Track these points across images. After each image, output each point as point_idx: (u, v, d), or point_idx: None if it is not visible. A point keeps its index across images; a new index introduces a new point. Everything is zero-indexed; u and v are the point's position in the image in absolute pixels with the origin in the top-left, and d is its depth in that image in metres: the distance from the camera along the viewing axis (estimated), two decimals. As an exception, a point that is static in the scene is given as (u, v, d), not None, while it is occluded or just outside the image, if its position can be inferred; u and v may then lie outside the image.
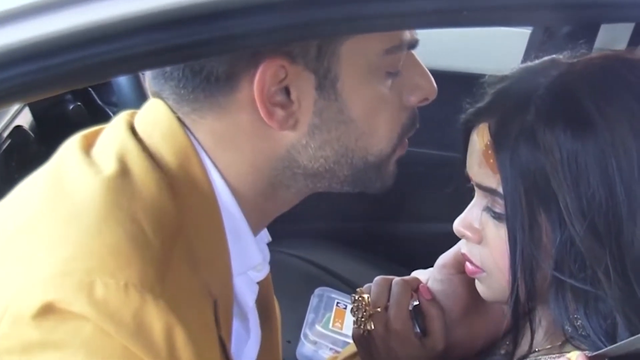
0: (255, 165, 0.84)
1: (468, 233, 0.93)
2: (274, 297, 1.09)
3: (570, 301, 0.85)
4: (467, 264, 0.95)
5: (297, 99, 0.81)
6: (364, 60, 0.82)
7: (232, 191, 0.84)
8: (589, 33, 1.76)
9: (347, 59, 0.81)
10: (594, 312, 0.84)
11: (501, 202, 0.88)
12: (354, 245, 2.11)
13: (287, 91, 0.81)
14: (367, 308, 1.03)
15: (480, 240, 0.92)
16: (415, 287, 1.05)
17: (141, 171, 0.79)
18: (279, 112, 0.81)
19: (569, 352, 0.83)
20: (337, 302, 1.71)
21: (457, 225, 0.94)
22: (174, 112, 0.84)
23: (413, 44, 0.86)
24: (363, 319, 1.03)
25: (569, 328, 0.86)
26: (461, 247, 0.97)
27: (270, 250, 2.12)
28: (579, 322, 0.85)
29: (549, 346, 0.90)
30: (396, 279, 1.06)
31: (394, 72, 0.85)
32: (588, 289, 0.83)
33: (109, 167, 0.79)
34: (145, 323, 0.71)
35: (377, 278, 1.07)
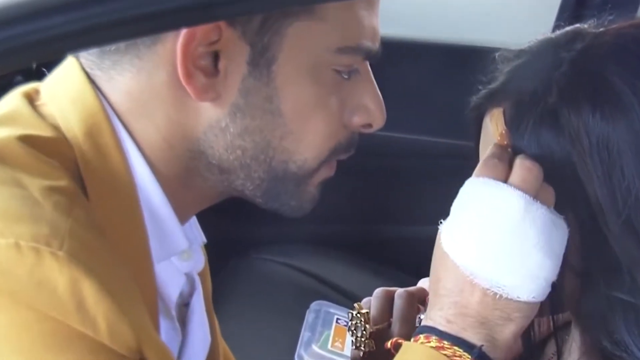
0: (169, 140, 0.85)
1: None
2: (211, 306, 1.10)
3: (607, 313, 0.84)
4: None
5: (225, 69, 0.82)
6: (311, 52, 0.83)
7: (149, 165, 0.85)
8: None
9: (291, 42, 0.82)
10: (634, 324, 0.82)
11: None
12: (353, 252, 2.13)
13: (215, 58, 0.82)
14: (367, 326, 1.03)
15: None
16: (422, 299, 1.05)
17: (18, 132, 0.81)
18: (200, 78, 0.82)
19: None
20: (337, 318, 1.70)
21: None
22: (86, 72, 0.85)
23: (371, 54, 0.87)
24: (362, 339, 1.03)
25: (607, 344, 0.85)
26: None
27: (257, 259, 2.13)
28: (618, 337, 0.84)
29: None
30: (399, 290, 1.05)
31: (342, 75, 0.86)
32: (626, 298, 0.82)
33: None
34: (45, 279, 0.72)
35: (377, 290, 1.07)
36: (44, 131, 0.83)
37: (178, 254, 0.91)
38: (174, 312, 0.92)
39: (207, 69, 0.82)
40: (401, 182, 2.27)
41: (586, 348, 0.90)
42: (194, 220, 0.99)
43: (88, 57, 0.85)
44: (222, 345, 1.15)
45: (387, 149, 2.24)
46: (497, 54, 0.92)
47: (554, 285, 0.84)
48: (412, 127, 2.25)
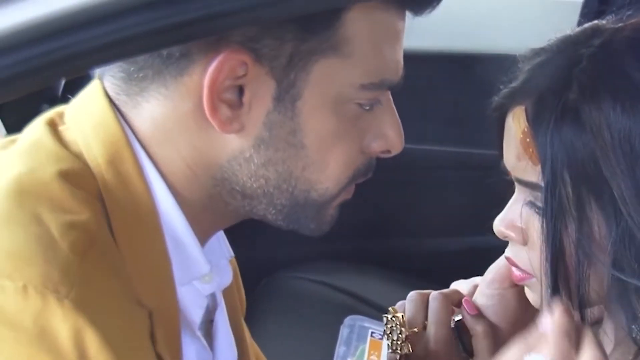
0: (192, 167, 0.87)
1: (511, 233, 0.94)
2: (242, 319, 1.12)
3: (637, 303, 0.85)
4: (514, 269, 0.96)
5: (249, 102, 0.83)
6: (335, 88, 0.85)
7: (171, 192, 0.87)
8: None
9: (317, 79, 0.83)
10: None
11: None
12: (383, 266, 2.15)
13: (240, 91, 0.83)
14: (402, 329, 1.04)
15: (526, 241, 0.93)
16: (457, 302, 1.07)
17: (52, 169, 0.82)
18: (225, 111, 0.83)
19: None
20: (372, 332, 1.70)
21: (498, 225, 0.95)
22: (109, 97, 0.87)
23: (394, 85, 0.88)
24: (399, 342, 1.05)
25: (639, 334, 0.86)
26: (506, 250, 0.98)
27: (288, 277, 2.15)
28: None
29: (620, 358, 0.91)
30: (433, 293, 1.07)
31: (364, 107, 0.87)
32: None
33: (19, 166, 0.83)
34: (49, 326, 0.73)
35: (412, 293, 1.08)
36: (67, 161, 0.84)
37: (199, 278, 0.92)
38: (198, 333, 0.94)
39: (231, 102, 0.83)
40: (428, 195, 2.28)
41: (618, 340, 0.92)
42: (221, 235, 1.01)
43: (113, 81, 0.87)
44: (257, 356, 1.17)
45: (415, 162, 2.25)
46: (518, 54, 0.94)
47: (581, 281, 0.86)
48: (439, 139, 2.26)
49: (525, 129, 0.88)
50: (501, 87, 0.94)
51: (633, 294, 0.85)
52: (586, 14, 1.98)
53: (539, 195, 0.88)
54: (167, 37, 0.71)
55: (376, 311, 1.85)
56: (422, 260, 2.19)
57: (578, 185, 0.85)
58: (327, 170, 0.88)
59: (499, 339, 1.03)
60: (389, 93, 0.90)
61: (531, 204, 0.91)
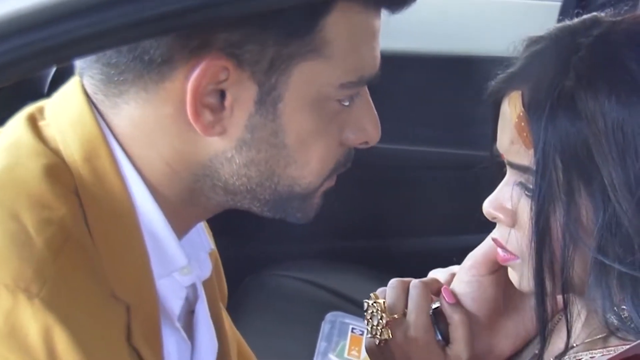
0: (172, 165, 0.87)
1: (500, 215, 0.96)
2: (224, 312, 1.13)
3: (616, 289, 0.88)
4: (499, 250, 0.98)
5: (231, 106, 0.84)
6: (315, 88, 0.86)
7: (149, 188, 0.88)
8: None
9: (297, 81, 0.84)
10: None
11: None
12: (364, 265, 2.16)
13: (221, 95, 0.84)
14: (383, 315, 1.06)
15: (514, 222, 0.95)
16: (436, 290, 1.09)
17: (31, 165, 0.84)
18: (207, 115, 0.84)
19: (614, 345, 0.85)
20: (352, 328, 1.74)
21: (487, 206, 0.97)
22: (87, 96, 0.87)
23: (372, 79, 0.90)
24: (379, 327, 1.06)
25: (614, 320, 0.89)
26: (492, 232, 1.00)
27: (271, 275, 2.17)
28: (626, 312, 0.88)
29: (588, 340, 0.93)
30: (414, 281, 1.09)
31: (343, 103, 0.89)
32: (637, 274, 0.86)
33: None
34: (19, 325, 0.75)
35: (393, 281, 1.10)
36: (45, 157, 0.84)
37: (178, 270, 0.93)
38: (177, 324, 0.95)
39: (213, 106, 0.84)
40: (410, 194, 2.30)
41: (592, 325, 0.94)
42: (201, 227, 1.01)
43: (92, 81, 0.87)
44: (242, 348, 1.18)
45: (396, 162, 2.27)
46: (514, 42, 0.95)
47: (565, 264, 0.88)
48: (423, 139, 2.28)
49: (521, 114, 0.90)
50: (498, 73, 0.95)
51: (613, 280, 0.88)
52: (564, 16, 2.01)
53: (530, 178, 0.90)
54: (153, 27, 0.71)
55: (357, 308, 1.88)
56: (403, 259, 2.20)
57: (569, 170, 0.87)
58: (308, 166, 0.89)
59: (475, 327, 1.06)
60: (366, 88, 0.91)
61: (522, 186, 0.93)
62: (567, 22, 0.95)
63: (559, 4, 2.10)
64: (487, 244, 1.05)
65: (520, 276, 0.97)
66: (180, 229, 0.93)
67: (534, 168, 0.89)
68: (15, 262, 0.77)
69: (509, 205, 0.95)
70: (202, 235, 1.02)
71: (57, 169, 0.84)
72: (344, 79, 0.86)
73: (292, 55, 0.83)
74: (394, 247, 2.33)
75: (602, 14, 0.94)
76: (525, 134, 0.90)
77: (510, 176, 0.96)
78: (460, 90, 2.18)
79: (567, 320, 0.94)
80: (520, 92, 0.91)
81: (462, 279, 1.08)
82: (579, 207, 0.88)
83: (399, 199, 2.31)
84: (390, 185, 2.30)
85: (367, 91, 0.92)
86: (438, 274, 1.12)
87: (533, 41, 0.94)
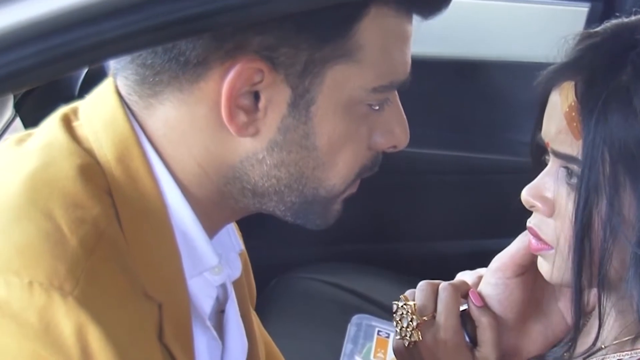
0: (203, 166, 0.89)
1: (537, 203, 0.97)
2: (253, 313, 1.14)
3: None
4: (532, 239, 0.99)
5: (265, 108, 0.85)
6: (347, 92, 0.87)
7: (180, 188, 0.89)
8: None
9: (330, 84, 0.85)
10: None
11: (580, 171, 0.90)
12: (390, 268, 2.17)
13: (255, 97, 0.85)
14: (413, 317, 1.07)
15: (552, 212, 0.96)
16: (464, 293, 1.09)
17: (65, 164, 0.85)
18: (241, 116, 0.85)
19: None
20: (379, 331, 1.74)
21: (526, 194, 0.97)
22: (121, 96, 0.88)
23: (403, 83, 0.91)
24: (409, 329, 1.07)
25: None
26: (529, 220, 1.00)
27: (297, 277, 2.18)
28: None
29: (616, 342, 0.94)
30: (443, 283, 1.09)
31: (373, 107, 0.90)
32: None
33: (33, 161, 0.85)
34: (53, 323, 0.76)
35: (422, 283, 1.11)
36: (79, 157, 0.86)
37: (209, 270, 0.95)
38: (208, 323, 0.96)
39: (247, 107, 0.85)
40: (437, 199, 2.31)
41: (621, 326, 0.95)
42: (231, 228, 1.03)
43: (126, 82, 0.88)
44: (270, 348, 1.20)
45: (424, 166, 2.28)
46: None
47: (604, 256, 0.89)
48: (445, 143, 2.29)
49: (573, 103, 0.90)
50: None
51: None
52: (591, 21, 2.01)
53: (575, 168, 0.91)
54: (191, 26, 0.71)
55: (382, 311, 1.89)
56: (427, 263, 2.21)
57: (616, 164, 0.88)
58: (335, 168, 0.90)
59: (502, 329, 1.06)
60: (396, 92, 0.93)
61: (565, 176, 0.93)
62: (625, 19, 0.96)
63: (586, 9, 2.10)
64: (514, 246, 1.06)
65: (552, 267, 0.97)
66: (211, 229, 0.94)
67: (581, 158, 0.90)
68: (49, 260, 0.78)
69: (548, 195, 0.96)
70: (232, 235, 1.03)
71: (90, 169, 0.85)
72: (376, 83, 0.87)
73: (326, 59, 0.84)
74: (418, 250, 2.35)
75: None
76: (575, 124, 0.90)
77: (553, 165, 0.96)
78: (485, 94, 2.20)
79: (599, 316, 0.94)
80: (573, 83, 0.91)
81: (488, 281, 1.08)
82: (623, 201, 0.88)
83: (422, 204, 2.32)
84: (415, 189, 2.31)
85: (397, 96, 0.93)
86: (466, 276, 1.13)
87: (588, 35, 0.94)
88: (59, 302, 0.76)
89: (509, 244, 1.08)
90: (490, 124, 2.29)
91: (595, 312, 0.98)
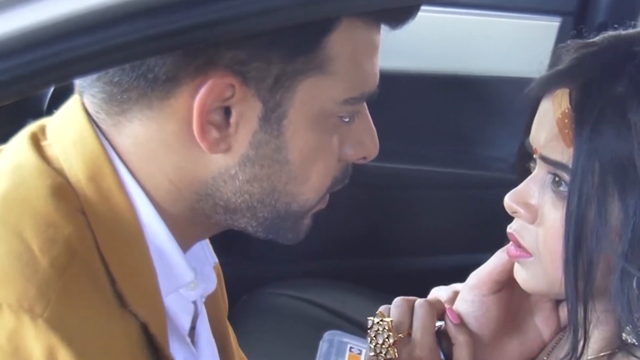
0: (176, 184, 0.88)
1: (521, 210, 0.96)
2: (229, 327, 1.14)
3: (636, 301, 0.88)
4: (512, 246, 0.98)
5: (236, 123, 0.85)
6: (319, 104, 0.87)
7: (153, 205, 0.88)
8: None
9: (301, 97, 0.85)
10: None
11: (568, 178, 0.90)
12: (362, 284, 2.16)
13: (226, 112, 0.85)
14: (390, 333, 1.05)
15: (535, 219, 0.95)
16: (440, 309, 1.09)
17: (36, 184, 0.84)
18: (213, 133, 0.84)
19: None
20: (351, 347, 1.71)
21: (509, 200, 0.97)
22: (88, 114, 0.87)
23: (372, 95, 0.91)
24: (384, 346, 1.06)
25: (628, 332, 0.89)
26: (510, 226, 0.99)
27: (269, 293, 2.17)
28: None
29: (592, 357, 0.94)
30: (419, 300, 1.09)
31: (344, 120, 0.90)
32: None
33: (3, 183, 0.85)
34: (23, 345, 0.75)
35: (397, 299, 1.10)
36: (50, 177, 0.85)
37: (185, 286, 0.94)
38: (188, 340, 0.95)
39: (218, 123, 0.84)
40: (409, 214, 2.31)
41: (598, 342, 0.94)
42: (205, 241, 1.02)
43: (93, 99, 0.87)
44: None
45: (394, 181, 2.28)
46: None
47: (591, 266, 0.88)
48: (420, 158, 2.29)
49: (567, 111, 0.90)
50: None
51: (635, 289, 0.87)
52: (562, 38, 2.02)
53: (564, 175, 0.91)
54: (161, 44, 0.71)
55: (354, 327, 1.87)
56: (399, 278, 2.21)
57: (606, 175, 0.87)
58: (308, 182, 0.90)
59: (478, 346, 1.06)
60: (365, 104, 0.92)
61: (552, 183, 0.92)
62: (622, 32, 0.96)
63: (557, 24, 2.10)
64: (491, 263, 1.06)
65: (529, 275, 0.97)
66: (184, 245, 0.93)
67: (571, 166, 0.89)
68: (19, 282, 0.77)
69: (532, 201, 0.95)
70: (205, 249, 1.02)
71: (62, 188, 0.84)
72: (347, 94, 0.87)
73: (297, 73, 0.84)
74: (390, 265, 2.35)
75: None
76: (567, 131, 0.90)
77: (539, 172, 0.95)
78: (461, 109, 2.20)
79: (585, 328, 0.93)
80: (567, 90, 0.91)
81: (465, 298, 1.08)
82: (611, 212, 0.88)
83: (395, 218, 2.32)
84: (386, 204, 2.32)
85: (366, 107, 0.93)
86: (440, 291, 1.13)
87: (584, 45, 0.94)
88: (29, 325, 0.75)
89: (481, 258, 1.07)
90: (465, 139, 2.29)
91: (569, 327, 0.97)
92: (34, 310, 0.76)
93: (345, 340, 1.77)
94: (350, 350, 1.74)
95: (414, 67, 2.18)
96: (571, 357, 0.95)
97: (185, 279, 0.92)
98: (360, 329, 1.87)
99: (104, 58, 0.70)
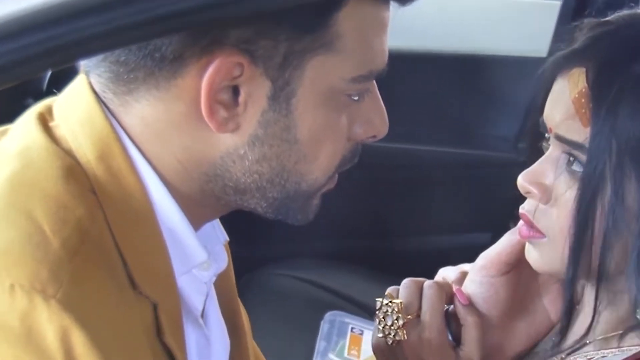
0: (184, 165, 0.87)
1: (534, 190, 0.95)
2: (240, 305, 1.13)
3: None
4: (523, 226, 0.97)
5: (245, 102, 0.84)
6: (327, 82, 0.86)
7: (165, 184, 0.87)
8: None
9: (310, 76, 0.84)
10: None
11: (584, 158, 0.89)
12: (364, 264, 2.16)
13: (234, 92, 0.84)
14: (399, 315, 1.05)
15: (548, 200, 0.94)
16: (449, 290, 1.08)
17: (45, 166, 0.83)
18: (221, 112, 0.84)
19: (627, 346, 0.84)
20: (352, 327, 1.73)
21: (522, 180, 0.96)
22: (96, 94, 0.87)
23: (381, 73, 0.90)
24: (394, 328, 1.05)
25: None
26: (522, 205, 0.98)
27: (271, 274, 2.17)
28: None
29: (601, 337, 0.94)
30: (428, 281, 1.08)
31: (353, 98, 0.89)
32: None
33: (11, 165, 0.84)
34: (36, 327, 0.74)
35: (406, 280, 1.09)
36: (59, 157, 0.84)
37: (198, 266, 0.93)
38: (201, 321, 0.95)
39: (227, 102, 0.84)
40: (410, 194, 2.31)
41: (609, 322, 0.94)
42: (215, 220, 1.01)
43: (100, 79, 0.87)
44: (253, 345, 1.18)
45: (395, 160, 2.28)
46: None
47: (605, 247, 0.87)
48: (422, 138, 2.28)
49: (583, 90, 0.89)
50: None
51: None
52: (564, 16, 2.01)
53: (580, 155, 0.90)
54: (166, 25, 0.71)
55: (356, 307, 1.88)
56: (402, 258, 2.21)
57: (623, 155, 0.87)
58: (317, 161, 0.89)
59: (486, 327, 1.05)
60: (374, 82, 0.92)
61: (567, 163, 0.92)
62: (638, 10, 0.95)
63: (558, 3, 2.09)
64: (500, 244, 1.05)
65: (541, 256, 0.96)
66: (195, 226, 0.92)
67: (587, 146, 0.89)
68: (30, 263, 0.76)
69: (546, 181, 0.94)
70: (216, 227, 1.02)
71: (71, 169, 0.84)
72: (356, 72, 0.87)
73: (305, 51, 0.83)
74: (392, 246, 2.34)
75: None
76: (584, 111, 0.89)
77: (554, 151, 0.94)
78: (462, 89, 2.19)
79: (594, 309, 0.93)
80: (584, 69, 0.90)
81: (473, 279, 1.07)
82: (627, 192, 0.88)
83: (397, 198, 2.32)
84: (388, 184, 2.31)
85: (375, 86, 0.92)
86: (448, 272, 1.12)
87: (600, 23, 0.93)
88: (42, 306, 0.74)
89: (483, 237, 1.06)
90: (466, 118, 2.29)
91: (580, 306, 0.98)
92: (47, 291, 0.75)
93: (346, 320, 1.78)
94: (351, 331, 1.75)
95: (415, 46, 2.17)
96: (561, 340, 0.96)
97: (198, 259, 0.91)
98: (362, 310, 1.88)
99: (111, 39, 0.69)
